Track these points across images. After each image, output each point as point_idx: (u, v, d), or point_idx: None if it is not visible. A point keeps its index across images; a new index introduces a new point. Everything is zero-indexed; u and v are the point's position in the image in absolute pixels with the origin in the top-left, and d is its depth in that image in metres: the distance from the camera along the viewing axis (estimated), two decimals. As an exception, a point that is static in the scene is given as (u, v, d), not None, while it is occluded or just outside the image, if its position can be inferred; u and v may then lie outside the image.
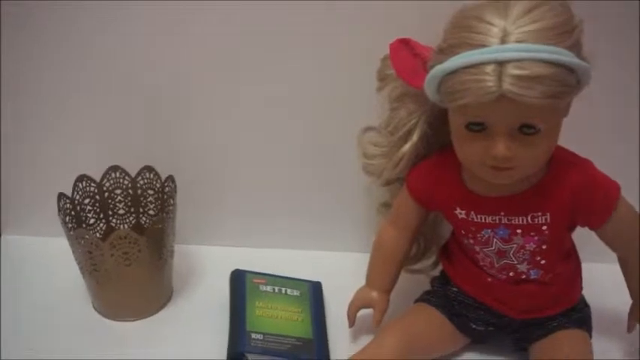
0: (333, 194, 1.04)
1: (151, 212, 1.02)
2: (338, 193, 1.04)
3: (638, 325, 0.87)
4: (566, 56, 0.65)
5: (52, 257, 1.03)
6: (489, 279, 0.84)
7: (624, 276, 0.83)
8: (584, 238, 0.82)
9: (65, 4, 0.92)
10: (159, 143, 1.02)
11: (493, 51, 0.65)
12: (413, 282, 0.95)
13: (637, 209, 0.80)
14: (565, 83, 0.66)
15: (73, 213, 0.96)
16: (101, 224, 1.01)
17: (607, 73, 0.83)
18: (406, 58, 0.79)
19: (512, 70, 0.64)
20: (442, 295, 0.89)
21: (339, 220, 1.06)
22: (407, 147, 0.83)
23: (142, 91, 0.98)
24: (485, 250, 0.82)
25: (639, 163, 0.96)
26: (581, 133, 0.89)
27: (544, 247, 0.79)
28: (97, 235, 1.00)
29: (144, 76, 0.97)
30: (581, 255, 0.86)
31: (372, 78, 0.87)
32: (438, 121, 0.81)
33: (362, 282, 0.91)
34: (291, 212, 1.07)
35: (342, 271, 1.01)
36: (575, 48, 0.67)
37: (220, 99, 0.98)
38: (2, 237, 1.11)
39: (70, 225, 0.93)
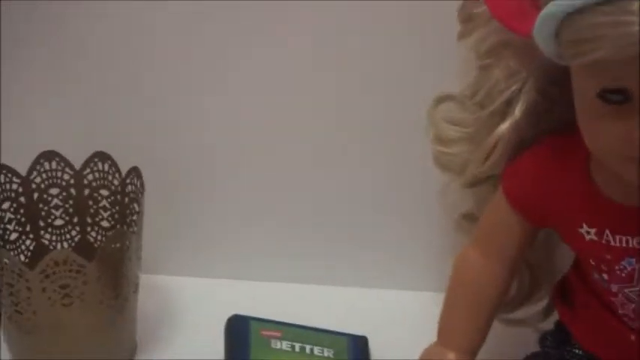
0: (380, 202, 0.90)
1: (105, 224, 0.88)
2: (388, 200, 0.89)
3: None
4: None
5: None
6: (633, 337, 0.70)
7: None
8: None
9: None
10: (118, 128, 0.89)
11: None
12: (512, 338, 0.81)
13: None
14: None
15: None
16: (27, 241, 0.88)
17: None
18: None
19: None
20: (558, 362, 0.78)
21: (391, 241, 0.91)
22: (504, 127, 0.71)
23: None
24: (627, 290, 0.69)
25: None
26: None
27: None
28: (22, 257, 0.87)
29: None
30: None
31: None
32: (553, 88, 0.69)
33: (431, 337, 0.76)
34: (313, 228, 0.92)
35: (397, 319, 0.89)
36: None
37: (206, 85, 0.87)
38: None
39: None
